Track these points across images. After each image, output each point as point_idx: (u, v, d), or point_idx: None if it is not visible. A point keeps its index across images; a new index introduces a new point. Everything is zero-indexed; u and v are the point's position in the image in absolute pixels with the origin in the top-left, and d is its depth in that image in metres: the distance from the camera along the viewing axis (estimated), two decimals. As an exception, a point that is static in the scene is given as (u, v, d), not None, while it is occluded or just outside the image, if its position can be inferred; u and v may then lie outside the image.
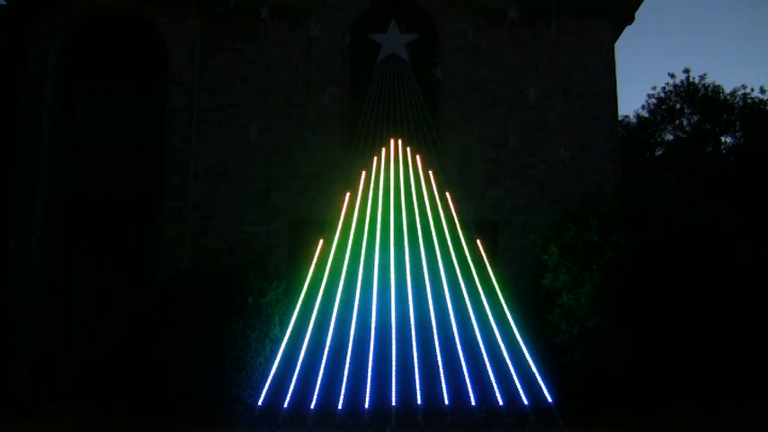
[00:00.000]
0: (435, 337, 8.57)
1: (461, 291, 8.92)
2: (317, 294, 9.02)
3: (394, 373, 8.30)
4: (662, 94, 18.74)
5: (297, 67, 11.11)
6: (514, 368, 8.33)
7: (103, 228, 10.99)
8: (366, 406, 8.17)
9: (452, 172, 10.58)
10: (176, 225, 10.44)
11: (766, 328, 8.22)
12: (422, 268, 9.12)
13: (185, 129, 10.75)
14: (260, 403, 8.42)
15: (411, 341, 8.54)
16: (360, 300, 8.91)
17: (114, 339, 10.74)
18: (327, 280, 9.11)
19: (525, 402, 8.09)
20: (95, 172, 11.19)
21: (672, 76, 18.77)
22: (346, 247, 9.37)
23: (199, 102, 10.93)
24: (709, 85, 18.26)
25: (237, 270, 9.21)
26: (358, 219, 9.61)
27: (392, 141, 10.25)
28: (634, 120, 19.23)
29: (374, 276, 9.04)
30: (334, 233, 9.53)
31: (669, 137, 18.58)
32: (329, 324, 8.75)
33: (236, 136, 10.91)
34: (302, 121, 10.95)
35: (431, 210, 9.69)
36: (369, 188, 9.86)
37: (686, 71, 18.45)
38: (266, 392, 8.46)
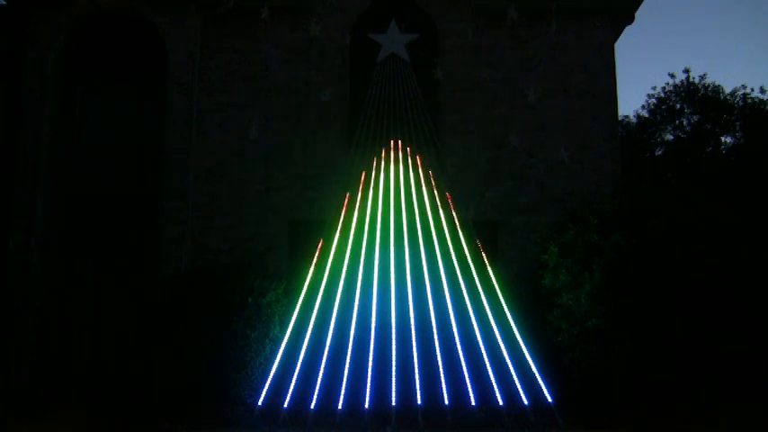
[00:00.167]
0: (435, 337, 8.57)
1: (461, 291, 8.91)
2: (317, 294, 9.01)
3: (394, 373, 8.29)
4: (662, 94, 18.75)
5: (297, 67, 11.11)
6: (514, 368, 8.32)
7: (103, 228, 10.99)
8: (366, 406, 8.17)
9: (452, 172, 10.58)
10: (176, 225, 10.45)
11: (766, 328, 8.21)
12: (422, 268, 9.11)
13: (185, 129, 10.76)
14: (260, 403, 8.41)
15: (411, 341, 8.54)
16: (360, 300, 8.90)
17: (114, 339, 10.74)
18: (327, 280, 9.11)
19: (525, 402, 8.08)
20: (95, 172, 11.20)
21: (672, 76, 18.80)
22: (346, 247, 9.37)
23: (199, 102, 10.94)
24: (709, 85, 18.27)
25: (237, 270, 9.21)
26: (358, 219, 9.61)
27: (392, 142, 10.24)
28: (634, 120, 19.24)
29: (374, 276, 9.04)
30: (334, 233, 9.52)
31: (669, 137, 18.59)
32: (329, 324, 8.75)
33: (236, 136, 10.92)
34: (302, 121, 10.95)
35: (431, 210, 9.69)
36: (369, 188, 9.85)
37: (686, 71, 18.47)
38: (266, 392, 8.45)
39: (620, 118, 13.65)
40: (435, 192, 9.85)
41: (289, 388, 8.40)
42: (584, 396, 8.36)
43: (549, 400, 8.12)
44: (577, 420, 8.06)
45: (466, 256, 9.26)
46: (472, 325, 8.66)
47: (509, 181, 10.79)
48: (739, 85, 24.09)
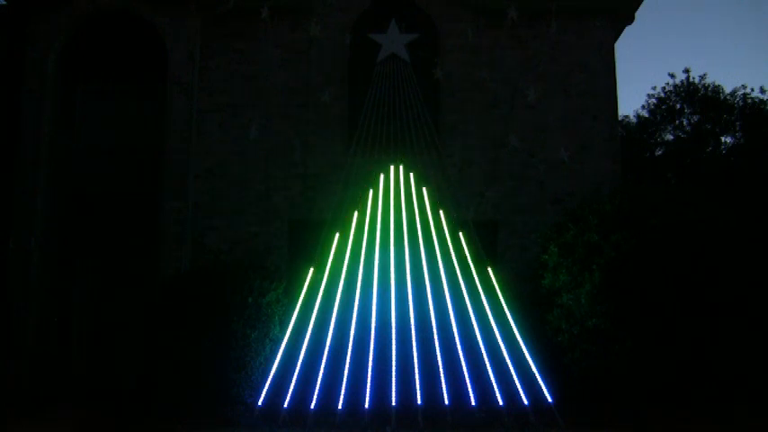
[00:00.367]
0: (435, 337, 8.57)
1: (461, 291, 8.91)
2: (317, 294, 9.01)
3: (394, 373, 8.29)
4: (662, 94, 18.74)
5: (297, 67, 11.11)
6: (514, 368, 8.33)
7: (103, 228, 10.99)
8: (366, 406, 8.17)
9: (452, 172, 10.58)
10: (176, 225, 10.45)
11: (766, 328, 8.21)
12: (422, 268, 9.11)
13: (185, 129, 10.76)
14: (260, 403, 8.42)
15: (411, 341, 8.54)
16: (360, 300, 8.90)
17: (114, 339, 10.74)
18: (327, 280, 9.11)
19: (525, 402, 8.08)
20: (95, 172, 11.20)
21: (672, 76, 18.79)
22: (346, 248, 9.37)
23: (199, 102, 10.94)
24: (709, 85, 18.26)
25: (237, 270, 9.21)
26: (358, 220, 9.60)
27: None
28: (634, 120, 19.23)
29: (374, 276, 9.04)
30: (333, 237, 9.51)
31: (669, 137, 18.58)
32: (329, 324, 8.75)
33: (236, 136, 10.92)
34: (302, 121, 10.95)
35: (432, 216, 9.65)
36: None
37: (686, 71, 18.46)
38: (266, 392, 8.45)
39: (620, 118, 13.65)
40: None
41: (289, 388, 8.40)
42: (584, 396, 8.36)
43: (549, 400, 8.12)
44: (577, 420, 8.06)
45: (466, 256, 9.25)
46: (472, 325, 8.66)
47: (509, 181, 10.79)
48: (739, 85, 24.12)
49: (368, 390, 8.24)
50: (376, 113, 10.63)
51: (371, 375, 8.32)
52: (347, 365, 8.42)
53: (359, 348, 8.55)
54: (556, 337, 8.81)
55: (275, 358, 8.64)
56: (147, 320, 9.41)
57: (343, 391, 8.25)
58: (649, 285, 8.16)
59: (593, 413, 8.26)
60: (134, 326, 10.36)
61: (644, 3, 11.20)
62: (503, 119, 10.91)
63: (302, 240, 10.17)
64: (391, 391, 8.20)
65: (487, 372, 8.32)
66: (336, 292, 9.01)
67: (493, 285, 9.00)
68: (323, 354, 8.54)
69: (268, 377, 8.53)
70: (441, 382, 8.23)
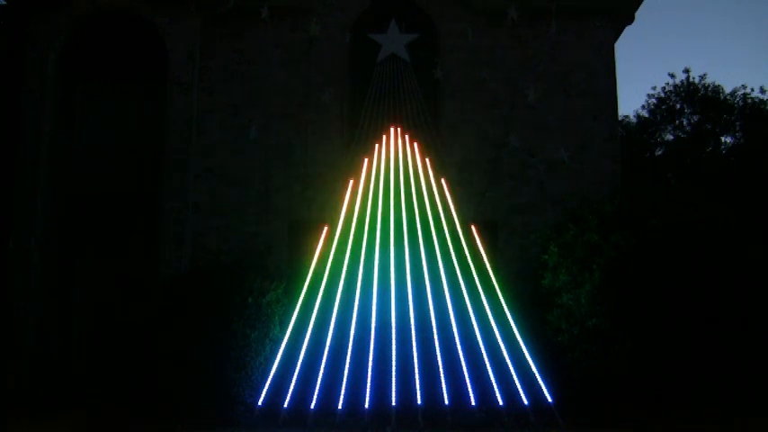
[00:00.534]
0: (435, 337, 8.57)
1: (461, 291, 8.91)
2: (317, 294, 9.01)
3: (394, 373, 8.29)
4: (662, 94, 18.75)
5: (297, 67, 11.11)
6: (514, 368, 8.32)
7: (104, 228, 10.99)
8: (366, 406, 8.17)
9: (452, 172, 10.57)
10: (176, 225, 10.45)
11: (766, 329, 8.21)
12: (422, 268, 9.11)
13: (185, 129, 10.76)
14: (260, 403, 8.42)
15: (411, 341, 8.54)
16: (360, 300, 8.90)
17: (114, 339, 10.74)
18: (327, 280, 9.11)
19: (525, 402, 8.08)
20: (95, 172, 11.20)
21: (672, 76, 18.79)
22: (346, 247, 9.37)
23: (199, 102, 10.93)
24: (709, 85, 18.26)
25: (237, 270, 9.20)
26: (358, 217, 9.61)
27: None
28: (634, 120, 19.24)
29: (374, 276, 9.04)
30: (335, 232, 9.51)
31: (669, 137, 18.59)
32: (329, 324, 8.75)
33: (236, 136, 10.92)
34: (302, 121, 10.94)
35: (430, 204, 9.66)
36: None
37: (686, 71, 18.47)
38: (266, 392, 8.45)
39: (620, 118, 13.65)
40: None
41: (289, 388, 8.40)
42: (584, 396, 8.36)
43: (549, 400, 8.12)
44: (577, 420, 8.06)
45: (466, 256, 9.25)
46: (472, 325, 8.66)
47: (509, 181, 10.78)
48: (739, 85, 24.10)
49: (368, 390, 8.23)
50: (376, 113, 10.63)
51: (371, 375, 8.32)
52: (347, 365, 8.42)
53: (359, 348, 8.55)
54: (556, 337, 8.81)
55: (275, 358, 8.64)
56: (147, 320, 9.40)
57: (343, 391, 8.24)
58: (649, 285, 8.16)
59: (593, 413, 8.26)
60: (134, 326, 10.36)
61: (644, 3, 11.22)
62: (503, 119, 10.91)
63: (302, 240, 10.16)
64: (391, 391, 8.20)
65: (487, 372, 8.31)
66: (336, 292, 9.01)
67: (493, 285, 9.00)
68: (323, 354, 8.54)
69: (268, 377, 8.53)
70: (441, 382, 8.23)
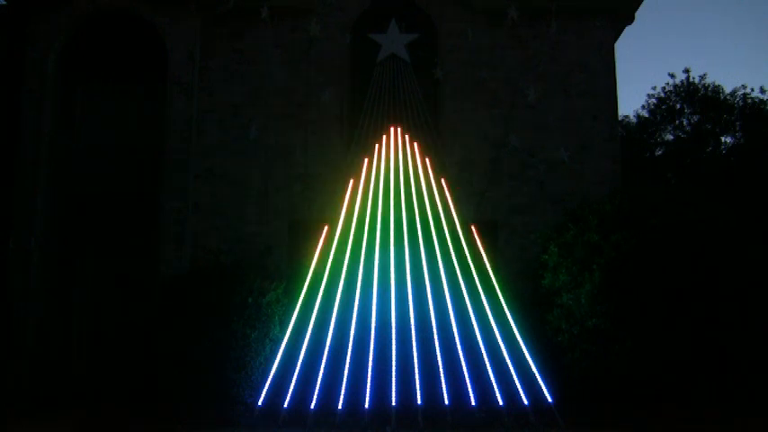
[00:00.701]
0: (435, 337, 8.57)
1: (461, 291, 8.91)
2: (317, 294, 9.01)
3: (394, 373, 8.29)
4: (662, 94, 18.74)
5: (297, 67, 11.11)
6: (514, 368, 8.33)
7: (103, 228, 10.99)
8: (366, 406, 8.17)
9: (452, 172, 10.57)
10: (176, 225, 10.45)
11: (766, 328, 8.21)
12: (422, 268, 9.11)
13: (185, 129, 10.76)
14: (260, 403, 8.42)
15: (411, 341, 8.54)
16: (360, 300, 8.90)
17: (114, 339, 10.73)
18: (327, 280, 9.11)
19: (525, 402, 8.08)
20: (95, 172, 11.19)
21: (672, 76, 18.78)
22: (346, 247, 9.37)
23: (199, 102, 10.93)
24: (709, 85, 18.26)
25: (237, 270, 9.21)
26: (358, 217, 9.61)
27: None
28: (634, 120, 19.23)
29: (374, 276, 9.04)
30: (335, 232, 9.52)
31: (669, 137, 18.58)
32: (329, 324, 8.75)
33: (236, 136, 10.92)
34: (302, 121, 10.95)
35: (430, 205, 9.67)
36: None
37: (686, 71, 18.45)
38: (266, 392, 8.45)
39: (620, 118, 13.65)
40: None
41: (289, 388, 8.40)
42: (584, 396, 8.36)
43: (549, 400, 8.12)
44: (577, 420, 8.06)
45: (466, 256, 9.25)
46: (472, 325, 8.66)
47: (509, 181, 10.78)
48: (739, 85, 24.09)
49: (368, 390, 8.23)
50: (376, 113, 10.63)
51: (371, 375, 8.32)
52: (347, 365, 8.42)
53: (359, 348, 8.55)
54: (556, 337, 8.81)
55: (275, 358, 8.64)
56: (147, 320, 9.40)
57: (343, 391, 8.25)
58: (649, 285, 8.16)
59: (594, 413, 8.26)
60: (134, 326, 10.36)
61: (644, 3, 11.22)
62: (503, 119, 10.91)
63: (302, 240, 10.16)
64: (391, 391, 8.20)
65: (487, 372, 8.32)
66: (336, 292, 9.01)
67: (493, 285, 9.00)
68: (323, 354, 8.54)
69: (268, 377, 8.53)
70: (441, 382, 8.23)
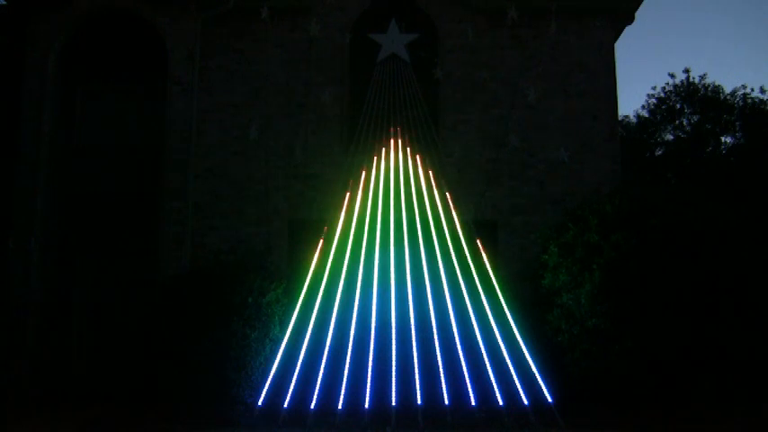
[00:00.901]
0: (435, 337, 8.57)
1: (461, 291, 8.91)
2: (317, 294, 9.01)
3: (394, 373, 8.29)
4: (662, 94, 18.77)
5: (297, 67, 11.11)
6: (514, 368, 8.32)
7: (103, 228, 10.99)
8: (366, 406, 8.17)
9: (452, 172, 10.58)
10: (176, 225, 10.45)
11: (766, 328, 8.21)
12: (422, 268, 9.11)
13: (185, 129, 10.76)
14: (260, 403, 8.41)
15: (411, 341, 8.54)
16: (360, 300, 8.90)
17: (114, 339, 10.74)
18: (327, 280, 9.11)
19: (525, 402, 8.08)
20: (95, 172, 11.19)
21: (672, 76, 18.85)
22: (346, 247, 9.37)
23: (199, 102, 10.93)
24: (709, 85, 18.29)
25: (238, 270, 9.21)
26: (358, 218, 9.61)
27: (392, 140, 10.23)
28: (634, 120, 19.26)
29: (374, 276, 9.04)
30: (335, 233, 9.52)
31: (669, 137, 18.61)
32: (329, 324, 8.75)
33: (236, 136, 10.92)
34: (302, 121, 10.95)
35: (431, 209, 9.68)
36: (369, 187, 9.85)
37: (686, 71, 18.51)
38: (266, 392, 8.45)
39: (620, 118, 13.66)
40: (436, 192, 9.83)
41: (289, 388, 8.40)
42: (584, 396, 8.36)
43: (549, 400, 8.12)
44: (577, 420, 8.06)
45: (466, 256, 9.25)
46: (472, 325, 8.66)
47: (509, 181, 10.78)
48: (739, 85, 24.18)
49: (368, 390, 8.23)
50: (376, 113, 10.63)
51: (371, 375, 8.32)
52: (347, 365, 8.42)
53: (359, 348, 8.55)
54: (556, 337, 8.81)
55: (275, 358, 8.64)
56: (147, 320, 9.40)
57: (343, 391, 8.24)
58: (649, 285, 8.16)
59: (594, 413, 8.26)
60: (134, 326, 10.36)
61: (644, 3, 11.22)
62: (503, 119, 10.92)
63: (302, 240, 10.16)
64: (391, 391, 8.20)
65: (487, 372, 8.32)
66: (336, 292, 9.01)
67: (493, 285, 9.00)
68: (323, 354, 8.54)
69: (268, 377, 8.53)
70: (441, 382, 8.23)
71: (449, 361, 8.38)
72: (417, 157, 10.14)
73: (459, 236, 9.45)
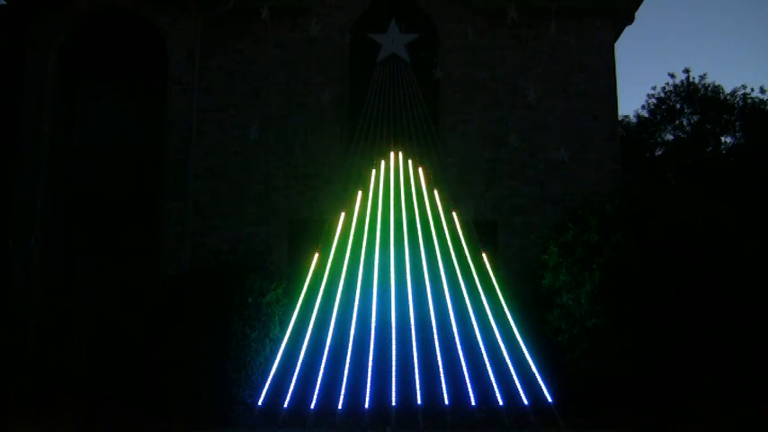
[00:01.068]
0: (435, 337, 8.57)
1: (461, 291, 8.91)
2: (317, 294, 9.01)
3: (394, 373, 8.29)
4: (662, 94, 18.76)
5: (297, 67, 11.11)
6: (514, 368, 8.32)
7: (103, 228, 10.99)
8: (366, 406, 8.17)
9: (452, 172, 10.58)
10: (176, 225, 10.45)
11: (766, 328, 8.21)
12: (422, 268, 9.11)
13: (185, 129, 10.75)
14: (260, 403, 8.41)
15: (411, 341, 8.54)
16: (360, 300, 8.90)
17: (114, 339, 10.74)
18: (327, 280, 9.11)
19: (525, 402, 8.08)
20: (95, 172, 11.20)
21: (672, 76, 18.82)
22: (346, 248, 9.36)
23: (199, 102, 10.93)
24: (709, 85, 18.28)
25: (238, 270, 9.20)
26: (358, 219, 9.60)
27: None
28: (634, 120, 19.24)
29: (374, 276, 9.04)
30: (334, 235, 9.51)
31: (669, 137, 18.60)
32: (329, 324, 8.75)
33: (236, 136, 10.92)
34: (302, 121, 10.95)
35: (431, 209, 9.67)
36: (369, 187, 9.84)
37: (686, 71, 18.49)
38: (266, 392, 8.45)
39: (620, 118, 13.65)
40: (436, 192, 9.82)
41: (289, 388, 8.40)
42: (584, 396, 8.36)
43: (549, 400, 8.12)
44: (577, 420, 8.05)
45: (466, 256, 9.25)
46: (472, 325, 8.66)
47: (509, 181, 10.78)
48: (739, 85, 24.13)
49: (368, 390, 8.23)
50: (376, 113, 10.62)
51: (371, 375, 8.31)
52: (347, 365, 8.42)
53: (359, 348, 8.54)
54: (556, 337, 8.81)
55: (275, 358, 8.64)
56: (147, 320, 9.40)
57: (343, 391, 8.24)
58: (649, 285, 8.16)
59: (594, 413, 8.26)
60: (134, 326, 10.36)
61: (644, 3, 11.22)
62: (503, 119, 10.91)
63: (302, 240, 10.16)
64: (391, 391, 8.20)
65: (487, 372, 8.31)
66: (336, 292, 9.01)
67: (493, 285, 9.00)
68: (323, 354, 8.54)
69: (268, 377, 8.53)
70: (441, 382, 8.23)
71: (449, 361, 8.38)
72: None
73: (459, 236, 9.45)
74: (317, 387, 8.33)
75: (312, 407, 8.22)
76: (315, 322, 8.80)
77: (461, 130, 10.93)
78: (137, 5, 10.93)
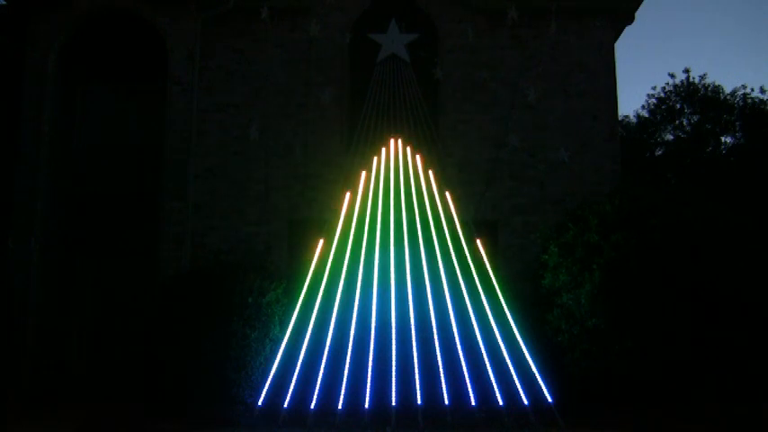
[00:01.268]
0: (435, 337, 8.57)
1: (461, 291, 8.91)
2: (317, 294, 9.01)
3: (394, 373, 8.30)
4: (662, 94, 18.76)
5: (297, 67, 11.11)
6: (514, 368, 8.33)
7: (103, 228, 10.99)
8: (366, 406, 8.17)
9: (452, 172, 10.58)
10: (176, 225, 10.44)
11: (766, 328, 8.21)
12: (422, 268, 9.11)
13: (185, 129, 10.75)
14: (260, 403, 8.42)
15: (411, 341, 8.54)
16: (360, 300, 8.90)
17: (114, 339, 10.74)
18: (327, 280, 9.11)
19: (525, 402, 8.09)
20: (95, 172, 11.20)
21: (672, 76, 18.82)
22: (346, 247, 9.37)
23: (199, 102, 10.92)
24: (709, 85, 18.28)
25: (238, 270, 9.21)
26: (358, 219, 9.61)
27: (392, 141, 10.24)
28: (634, 120, 19.24)
29: (374, 276, 9.04)
30: (334, 233, 9.52)
31: (669, 137, 18.60)
32: (329, 324, 8.75)
33: (236, 136, 10.92)
34: (302, 121, 10.95)
35: (431, 209, 9.68)
36: (369, 188, 9.85)
37: (686, 71, 18.49)
38: (266, 392, 8.46)
39: (620, 118, 13.65)
40: (435, 191, 9.83)
41: (289, 388, 8.40)
42: (584, 396, 8.36)
43: (549, 400, 8.13)
44: (577, 420, 8.06)
45: (466, 256, 9.25)
46: (472, 325, 8.66)
47: (509, 181, 10.78)
48: (739, 85, 24.14)
49: (368, 390, 8.24)
50: (376, 113, 10.62)
51: (371, 375, 8.32)
52: (347, 365, 8.43)
53: (359, 348, 8.55)
54: (556, 337, 8.81)
55: (275, 358, 8.64)
56: (147, 320, 9.40)
57: (343, 392, 8.25)
58: (649, 285, 8.16)
59: (594, 413, 8.27)
60: (134, 326, 10.36)
61: (644, 3, 11.21)
62: (503, 119, 10.91)
63: (302, 240, 10.16)
64: (391, 392, 8.21)
65: (487, 372, 8.32)
66: (336, 292, 9.01)
67: (493, 285, 9.00)
68: (323, 354, 8.54)
69: (268, 377, 8.54)
70: (441, 382, 8.23)
71: (449, 361, 8.39)
72: (418, 157, 10.12)
73: (459, 236, 9.45)
74: (317, 387, 8.34)
75: (312, 407, 8.23)
76: (315, 322, 8.80)
77: (461, 130, 10.93)
78: (137, 5, 10.93)
